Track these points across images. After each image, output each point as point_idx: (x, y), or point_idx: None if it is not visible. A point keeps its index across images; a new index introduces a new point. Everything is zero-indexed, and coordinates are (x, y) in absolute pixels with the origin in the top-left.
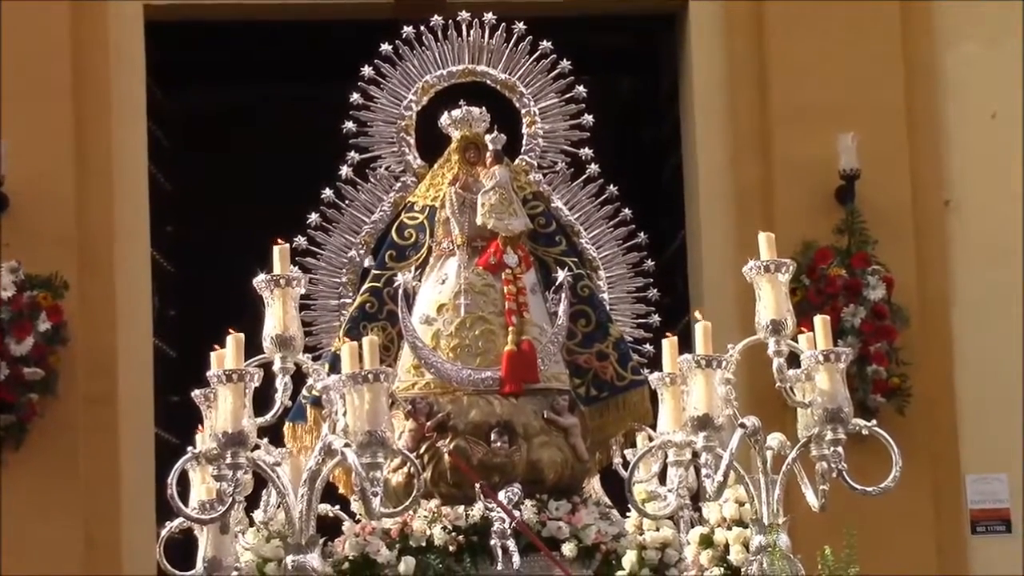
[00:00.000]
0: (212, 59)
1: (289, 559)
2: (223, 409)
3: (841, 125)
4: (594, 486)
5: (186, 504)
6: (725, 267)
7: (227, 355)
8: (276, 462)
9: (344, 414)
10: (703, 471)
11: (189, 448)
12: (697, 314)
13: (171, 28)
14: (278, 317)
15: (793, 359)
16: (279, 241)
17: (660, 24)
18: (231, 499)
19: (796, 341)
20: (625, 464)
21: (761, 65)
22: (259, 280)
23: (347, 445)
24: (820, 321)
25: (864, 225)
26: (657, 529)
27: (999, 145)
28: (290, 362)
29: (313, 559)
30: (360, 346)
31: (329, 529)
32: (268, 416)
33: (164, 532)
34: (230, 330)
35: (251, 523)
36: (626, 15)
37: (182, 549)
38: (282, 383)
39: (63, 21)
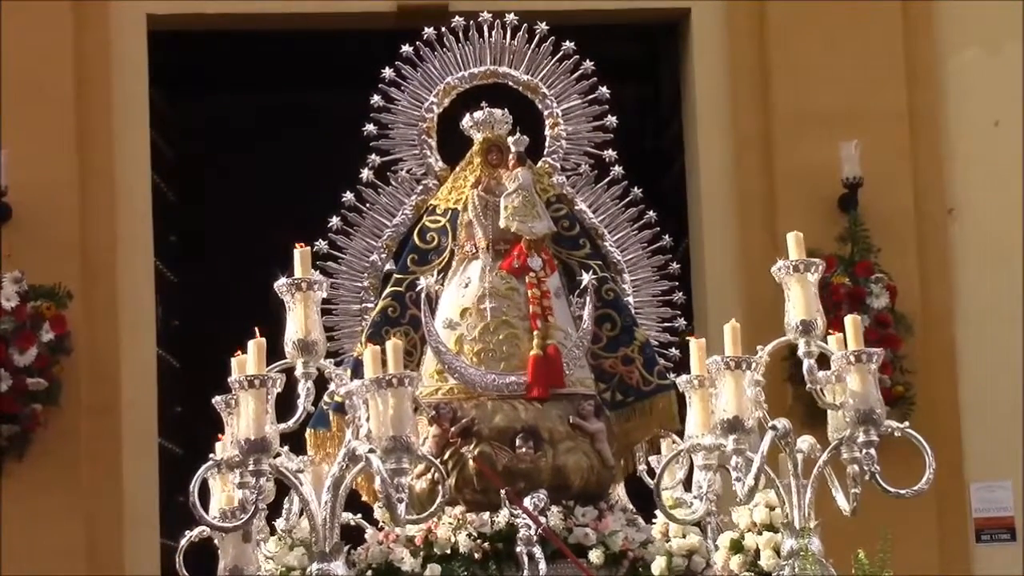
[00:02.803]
0: (215, 68)
1: (314, 567)
2: (245, 415)
3: (844, 133)
4: (619, 493)
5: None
6: (728, 275)
7: (248, 360)
8: (299, 469)
9: (368, 420)
10: (733, 475)
11: (211, 456)
12: (732, 321)
13: (174, 37)
14: (300, 321)
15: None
16: (300, 244)
17: (662, 32)
18: (254, 507)
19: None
20: (650, 471)
21: (763, 73)
22: (280, 284)
23: (371, 451)
24: (851, 321)
25: (867, 233)
26: (684, 536)
27: (1001, 152)
28: (312, 367)
29: (338, 567)
30: (383, 350)
31: (351, 538)
32: (291, 422)
33: (184, 541)
34: (256, 332)
35: (272, 532)
36: (628, 23)
37: (195, 559)
38: (304, 388)
39: (65, 30)
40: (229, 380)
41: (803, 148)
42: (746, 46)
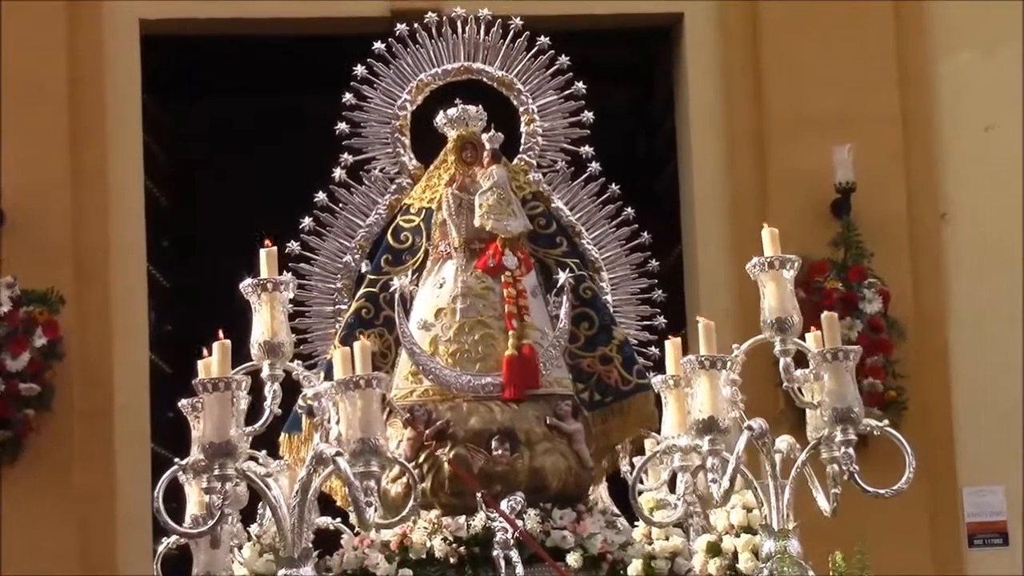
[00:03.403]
0: (207, 72)
1: (281, 573)
2: (210, 419)
3: (836, 137)
4: (601, 494)
5: (182, 519)
6: (720, 278)
7: (213, 362)
8: (268, 473)
9: (337, 422)
10: (709, 476)
11: (176, 460)
12: (700, 319)
13: (167, 41)
14: (266, 323)
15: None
16: (268, 243)
17: (656, 36)
18: (220, 512)
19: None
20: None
21: (756, 77)
22: (246, 284)
23: (339, 454)
24: (827, 319)
25: (860, 238)
26: (667, 538)
27: (995, 156)
28: (279, 369)
29: (307, 572)
30: (352, 352)
31: (330, 542)
32: (257, 425)
33: (161, 548)
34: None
35: (249, 538)
36: (622, 27)
37: (177, 564)
38: (271, 391)
39: (59, 35)
40: (193, 383)
41: (796, 152)
42: (739, 49)
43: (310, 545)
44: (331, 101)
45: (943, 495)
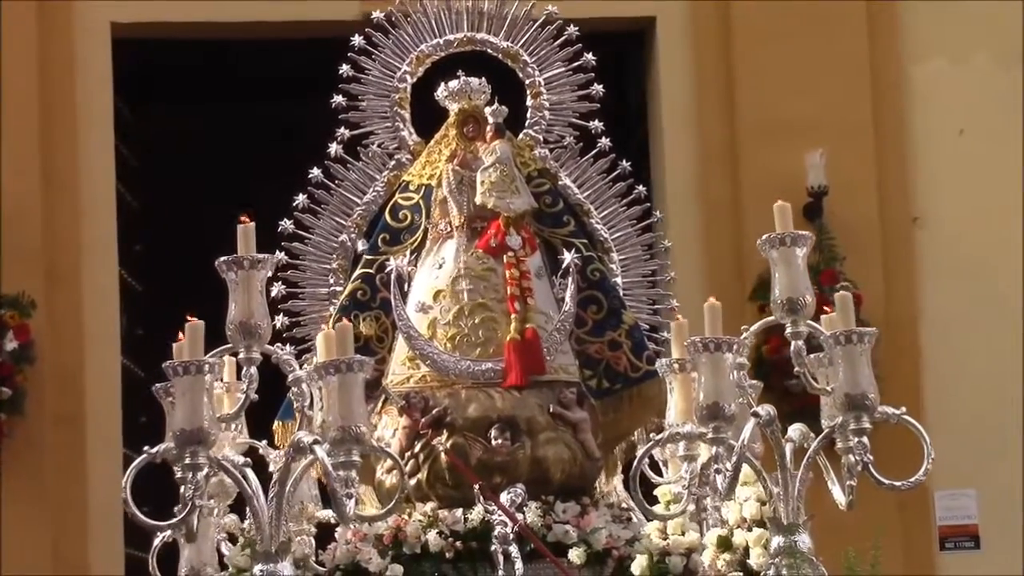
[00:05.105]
0: (179, 75)
1: (257, 568)
2: (180, 405)
3: (809, 142)
4: (616, 487)
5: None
6: (694, 283)
7: (184, 345)
8: (246, 462)
9: (320, 408)
10: (713, 466)
11: (145, 448)
12: (712, 299)
13: (138, 45)
14: (242, 303)
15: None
16: (245, 219)
17: (628, 41)
18: (190, 503)
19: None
20: (652, 463)
21: (729, 82)
22: (221, 262)
23: (316, 442)
24: (841, 299)
25: (832, 242)
26: (683, 533)
27: (966, 161)
28: (256, 352)
29: (285, 567)
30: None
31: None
32: (232, 411)
33: (157, 541)
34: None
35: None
36: (594, 32)
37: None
38: (247, 375)
39: (29, 38)
40: (163, 366)
41: (769, 157)
42: (712, 55)
43: (289, 539)
44: (307, 104)
45: (915, 499)
